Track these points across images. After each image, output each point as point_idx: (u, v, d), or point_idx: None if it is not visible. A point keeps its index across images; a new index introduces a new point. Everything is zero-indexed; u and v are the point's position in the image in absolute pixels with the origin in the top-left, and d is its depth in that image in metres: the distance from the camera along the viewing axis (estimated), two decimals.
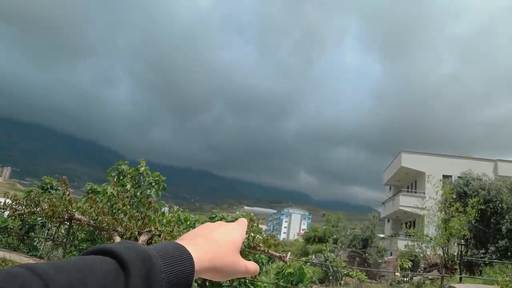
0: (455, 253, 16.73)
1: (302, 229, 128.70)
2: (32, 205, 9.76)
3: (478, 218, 16.98)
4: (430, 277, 17.72)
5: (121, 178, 10.78)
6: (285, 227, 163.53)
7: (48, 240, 10.53)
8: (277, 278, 8.89)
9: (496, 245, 17.17)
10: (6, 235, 11.01)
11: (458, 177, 22.68)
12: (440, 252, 17.62)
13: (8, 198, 10.08)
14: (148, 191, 10.58)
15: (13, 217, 10.68)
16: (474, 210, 16.70)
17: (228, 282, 9.02)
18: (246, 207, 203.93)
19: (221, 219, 10.78)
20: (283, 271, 8.54)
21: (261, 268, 9.59)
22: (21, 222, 10.94)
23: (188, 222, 9.86)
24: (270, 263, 9.86)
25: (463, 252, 14.00)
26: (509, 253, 16.81)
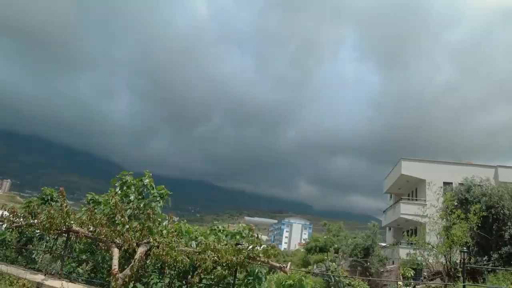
0: (458, 261, 16.58)
1: (303, 239, 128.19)
2: (30, 217, 9.69)
3: (480, 225, 16.86)
4: (433, 285, 17.55)
5: (125, 188, 10.73)
6: (286, 237, 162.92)
7: (46, 252, 10.41)
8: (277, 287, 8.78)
9: (499, 252, 17.03)
10: (4, 247, 10.90)
11: (459, 183, 22.59)
12: (442, 260, 17.47)
13: (5, 210, 10.01)
14: (153, 204, 10.49)
15: (11, 230, 10.60)
16: (476, 217, 16.59)
17: None
18: (246, 218, 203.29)
19: (222, 231, 10.67)
20: (283, 283, 8.41)
21: (260, 280, 9.46)
22: (19, 235, 10.84)
23: (191, 235, 9.77)
24: (270, 273, 9.75)
25: (466, 260, 13.87)
26: None
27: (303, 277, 8.43)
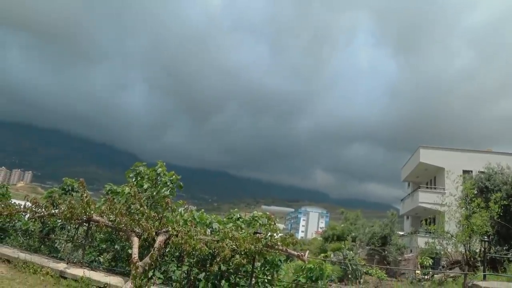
0: (477, 250, 16.37)
1: (320, 228, 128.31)
2: (51, 207, 9.90)
3: (501, 214, 16.57)
4: (452, 274, 17.38)
5: (139, 179, 10.91)
6: (303, 226, 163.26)
7: (68, 241, 10.65)
8: (296, 275, 8.83)
9: None
10: (27, 237, 11.18)
11: (480, 171, 22.22)
12: (461, 249, 17.26)
13: (28, 201, 10.24)
14: (163, 190, 10.66)
15: (34, 220, 10.86)
16: (496, 205, 16.30)
17: (247, 281, 8.98)
18: (263, 206, 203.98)
19: (238, 219, 10.75)
20: (303, 268, 8.47)
21: (279, 267, 9.52)
22: (41, 225, 11.10)
23: (204, 222, 9.86)
24: (288, 262, 9.80)
25: (486, 249, 13.68)
26: None
27: (322, 262, 8.45)
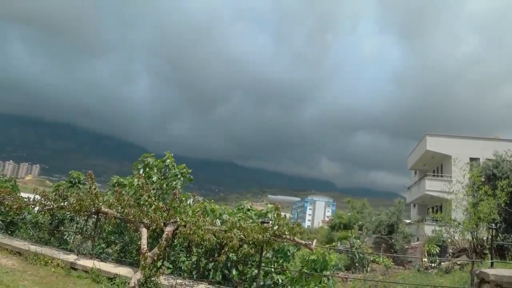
0: (484, 238, 16.35)
1: (327, 216, 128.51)
2: (60, 200, 10.00)
3: (508, 201, 16.51)
4: (459, 262, 17.40)
5: (147, 170, 10.96)
6: (309, 215, 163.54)
7: (77, 233, 10.78)
8: (302, 266, 8.88)
9: None
10: (37, 230, 11.33)
11: (487, 159, 22.09)
12: (468, 237, 17.24)
13: (37, 194, 10.35)
14: (174, 182, 10.72)
15: (43, 212, 10.98)
16: (504, 193, 16.23)
17: (254, 270, 9.06)
18: (270, 196, 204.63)
19: (248, 210, 10.79)
20: (307, 258, 8.50)
21: (287, 257, 9.58)
22: (50, 217, 11.23)
23: (215, 213, 9.93)
24: (296, 251, 9.84)
25: (494, 237, 13.66)
26: None
27: (326, 253, 8.46)
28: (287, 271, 9.38)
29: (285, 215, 9.20)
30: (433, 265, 21.59)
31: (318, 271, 8.31)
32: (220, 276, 9.05)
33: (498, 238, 16.35)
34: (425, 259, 23.16)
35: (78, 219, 10.99)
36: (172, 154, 11.20)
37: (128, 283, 7.52)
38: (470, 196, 17.81)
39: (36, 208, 11.04)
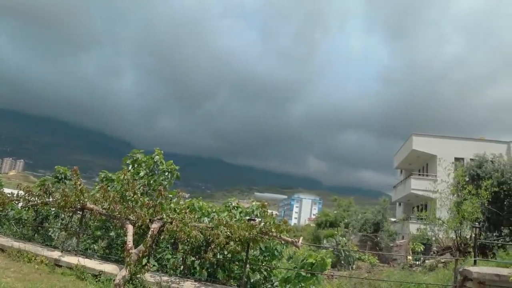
0: (468, 236, 16.60)
1: (313, 214, 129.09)
2: (45, 196, 9.87)
3: (491, 201, 16.78)
4: (443, 260, 17.65)
5: (136, 166, 10.90)
6: (296, 212, 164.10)
7: (62, 230, 10.65)
8: (295, 267, 8.83)
9: (510, 227, 17.01)
10: (21, 226, 11.16)
11: (471, 159, 22.42)
12: (452, 235, 17.49)
13: (21, 189, 10.20)
14: (161, 179, 10.67)
15: (27, 208, 10.82)
16: (487, 192, 16.49)
17: (240, 269, 9.06)
18: (256, 194, 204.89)
19: (236, 208, 10.76)
20: (303, 261, 8.43)
21: (275, 255, 9.59)
22: (35, 213, 11.07)
23: (203, 211, 9.90)
24: (284, 248, 9.85)
25: (477, 235, 13.88)
26: None
27: (324, 257, 8.39)
28: (276, 270, 9.41)
29: (271, 212, 9.22)
30: (417, 262, 21.87)
31: (316, 274, 8.29)
32: (206, 274, 9.04)
33: (481, 236, 16.63)
34: (410, 257, 23.44)
35: (63, 215, 10.85)
36: (161, 151, 11.15)
37: (113, 280, 7.46)
38: (455, 195, 18.05)
39: (20, 204, 10.89)
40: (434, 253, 21.59)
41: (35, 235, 10.79)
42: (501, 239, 16.66)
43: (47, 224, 11.12)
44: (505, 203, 17.74)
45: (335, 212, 53.59)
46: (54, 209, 10.49)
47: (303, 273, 8.11)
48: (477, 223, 14.24)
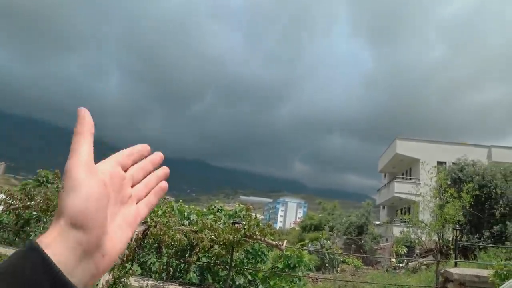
0: (450, 239, 16.87)
1: (298, 218, 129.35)
2: (27, 199, 9.72)
3: (472, 204, 17.08)
4: (425, 262, 17.89)
5: None
6: (281, 216, 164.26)
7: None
8: (274, 262, 8.95)
9: (491, 230, 17.33)
10: (2, 230, 10.97)
11: (453, 163, 22.80)
12: (435, 237, 17.75)
13: (1, 193, 10.02)
14: None
15: (8, 212, 10.64)
16: (468, 195, 16.80)
17: (225, 272, 9.05)
18: (242, 197, 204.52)
19: (220, 210, 10.78)
20: (281, 255, 8.60)
21: (261, 258, 9.62)
22: (16, 217, 10.88)
23: (183, 213, 9.87)
24: (269, 252, 9.90)
25: (458, 237, 14.12)
26: (503, 238, 16.98)
27: (300, 250, 8.57)
28: (260, 272, 9.44)
29: (255, 215, 9.25)
30: (401, 265, 22.10)
31: (292, 267, 8.40)
32: (192, 277, 9.01)
33: (463, 239, 16.91)
34: (393, 260, 23.68)
35: (45, 219, 10.69)
36: None
37: (97, 285, 7.38)
38: (437, 199, 18.34)
39: (1, 208, 10.69)
40: (417, 255, 21.86)
41: (16, 239, 10.63)
42: (482, 241, 16.97)
43: (28, 228, 10.95)
44: (485, 206, 18.08)
45: (320, 215, 53.81)
46: (36, 213, 10.34)
47: (280, 266, 8.20)
48: (458, 226, 14.49)
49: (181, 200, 11.01)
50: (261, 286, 8.94)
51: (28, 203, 9.69)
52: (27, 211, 10.16)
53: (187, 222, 9.28)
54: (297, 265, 8.70)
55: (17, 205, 9.80)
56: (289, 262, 8.63)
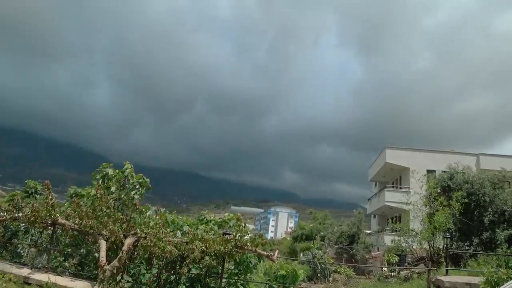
0: (441, 247, 16.94)
1: (290, 228, 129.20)
2: (14, 211, 9.56)
3: (462, 211, 17.21)
4: (417, 270, 17.93)
5: (106, 181, 10.62)
6: (272, 226, 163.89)
7: (32, 246, 10.31)
8: (268, 280, 8.86)
9: (480, 237, 17.44)
10: None
11: (443, 171, 22.99)
12: (426, 246, 17.83)
13: None
14: (133, 193, 10.44)
15: None
16: (458, 203, 16.93)
17: (216, 283, 8.97)
18: (233, 207, 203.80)
19: (209, 221, 10.71)
20: (276, 273, 8.49)
21: (250, 268, 9.56)
22: (3, 229, 10.69)
23: (176, 224, 9.80)
24: (259, 262, 9.84)
25: (449, 245, 14.19)
26: (492, 245, 17.10)
27: (295, 268, 8.49)
28: (251, 283, 9.38)
29: (245, 224, 9.22)
30: (392, 274, 22.13)
31: (287, 285, 8.34)
32: None
33: (453, 246, 16.99)
34: (385, 268, 23.71)
35: (33, 231, 10.52)
36: (131, 165, 10.89)
37: None
38: (427, 207, 18.46)
39: None
40: (408, 264, 21.90)
41: (3, 251, 10.43)
42: (472, 249, 17.07)
43: (16, 240, 10.76)
44: (475, 213, 18.21)
45: (311, 225, 53.81)
46: (24, 224, 10.17)
47: (275, 285, 8.13)
48: (448, 234, 14.57)
49: (174, 212, 10.92)
50: None
51: (16, 215, 9.53)
52: (14, 222, 10.00)
53: (179, 233, 9.20)
54: (292, 284, 8.63)
55: (4, 217, 9.64)
56: (284, 282, 8.53)
